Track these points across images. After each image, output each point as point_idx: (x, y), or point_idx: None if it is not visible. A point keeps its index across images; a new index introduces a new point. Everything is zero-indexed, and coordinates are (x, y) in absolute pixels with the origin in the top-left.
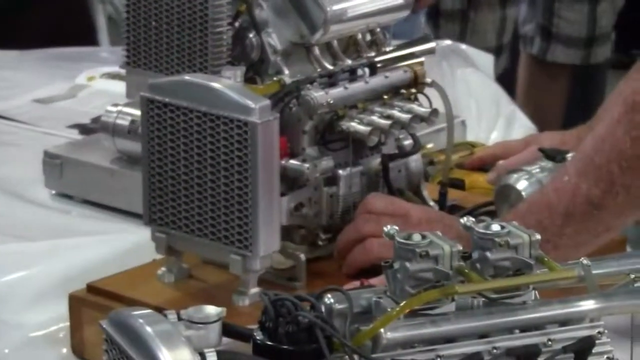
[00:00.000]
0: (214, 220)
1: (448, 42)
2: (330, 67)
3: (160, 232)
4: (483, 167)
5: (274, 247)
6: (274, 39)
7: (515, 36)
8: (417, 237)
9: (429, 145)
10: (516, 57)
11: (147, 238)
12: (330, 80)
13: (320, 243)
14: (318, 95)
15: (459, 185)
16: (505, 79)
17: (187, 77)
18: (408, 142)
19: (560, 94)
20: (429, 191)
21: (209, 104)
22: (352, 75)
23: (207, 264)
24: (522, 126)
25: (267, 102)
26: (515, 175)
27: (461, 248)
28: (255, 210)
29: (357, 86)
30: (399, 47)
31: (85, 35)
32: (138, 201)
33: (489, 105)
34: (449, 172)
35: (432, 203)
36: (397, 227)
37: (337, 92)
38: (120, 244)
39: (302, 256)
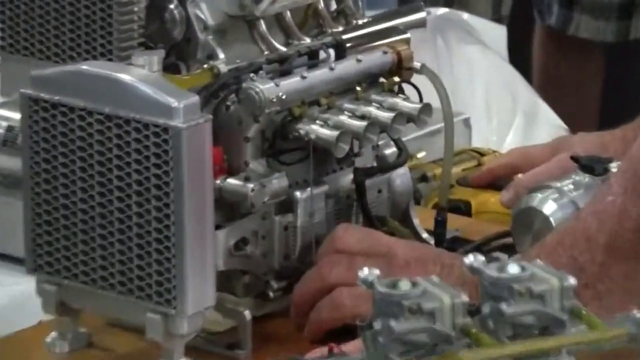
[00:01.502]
0: (123, 266)
1: (443, 9)
2: (282, 48)
3: (49, 283)
4: (495, 183)
5: (208, 302)
6: (203, 11)
7: (522, 2)
8: (404, 284)
9: (420, 155)
10: (525, 31)
11: (31, 291)
12: (282, 67)
13: (271, 295)
14: (265, 87)
15: (463, 209)
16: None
17: (83, 67)
18: (390, 150)
19: (594, 81)
20: (422, 219)
21: (114, 103)
22: (312, 59)
23: (113, 326)
24: (547, 125)
25: (195, 98)
26: (540, 195)
27: (467, 299)
28: (181, 250)
29: (320, 74)
30: (376, 20)
31: None
32: (19, 240)
33: (502, 97)
34: (449, 192)
35: (425, 235)
36: (377, 271)
37: (291, 83)
38: None
39: (247, 314)
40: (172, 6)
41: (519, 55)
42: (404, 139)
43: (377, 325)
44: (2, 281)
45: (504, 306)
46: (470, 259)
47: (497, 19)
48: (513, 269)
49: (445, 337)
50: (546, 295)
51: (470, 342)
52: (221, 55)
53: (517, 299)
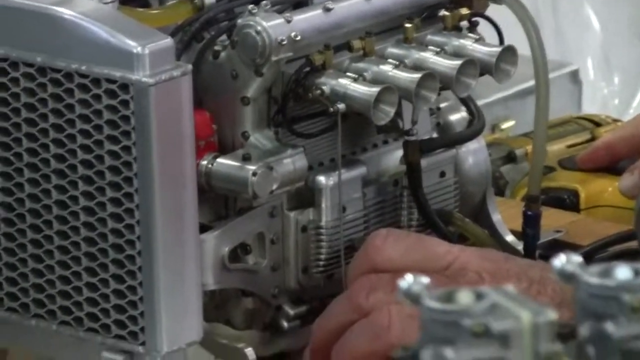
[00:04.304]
0: (66, 285)
1: None
2: None
3: None
4: (615, 164)
5: (191, 336)
6: None
7: None
8: (465, 297)
9: (507, 125)
10: None
11: None
12: None
13: (285, 325)
14: (271, 25)
15: (568, 201)
16: None
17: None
18: (458, 116)
19: None
20: (507, 215)
21: (49, 51)
22: None
23: None
24: None
25: (168, 41)
26: None
27: (555, 316)
28: (150, 261)
29: (351, 5)
30: None
31: None
32: None
33: (627, 42)
34: (546, 176)
35: (510, 238)
36: (425, 279)
37: (309, 17)
38: None
39: (250, 352)
40: None
41: None
42: (483, 102)
43: (427, 356)
44: None
45: (610, 326)
46: (561, 259)
47: None
48: (623, 273)
49: None
50: None
51: None
52: None
53: (630, 316)
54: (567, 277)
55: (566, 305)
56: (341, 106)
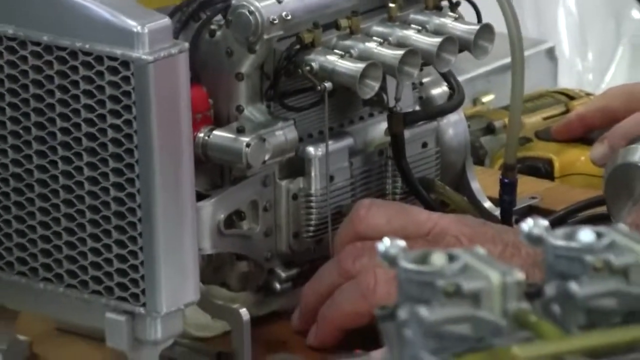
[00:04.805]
0: (72, 250)
1: None
2: None
3: None
4: (587, 135)
5: (188, 297)
6: None
7: None
8: (438, 258)
9: (487, 98)
10: None
11: None
12: None
13: (277, 287)
14: (263, 5)
15: (543, 169)
16: None
17: None
18: (439, 90)
19: None
20: (486, 183)
21: (54, 30)
22: None
23: (62, 332)
24: None
25: (166, 21)
26: None
27: (523, 277)
28: (150, 227)
29: None
30: None
31: None
32: None
33: (601, 20)
34: (523, 146)
35: (488, 204)
36: (401, 242)
37: None
38: None
39: (245, 313)
40: None
41: None
42: (463, 77)
43: (403, 314)
44: None
45: (574, 285)
46: (528, 224)
47: None
48: (586, 236)
49: (493, 327)
50: (630, 270)
51: (529, 335)
52: None
53: (592, 276)
54: (534, 240)
55: (538, 267)
56: (328, 84)
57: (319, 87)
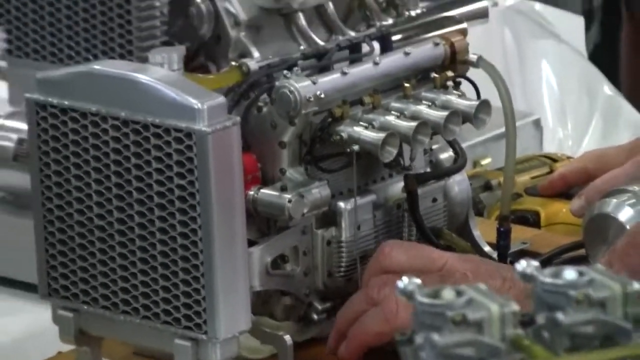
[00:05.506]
0: (146, 288)
1: (513, 0)
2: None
3: (66, 309)
4: (568, 191)
5: (242, 326)
6: (234, 4)
7: None
8: (448, 293)
9: (485, 161)
10: (614, 27)
11: (47, 321)
12: (320, 62)
13: (315, 317)
14: (301, 86)
15: (531, 219)
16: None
17: (95, 67)
18: (446, 155)
19: None
20: (485, 232)
21: (130, 107)
22: (354, 53)
23: (139, 356)
24: (631, 128)
25: (222, 99)
26: (614, 201)
27: (518, 308)
28: (210, 269)
29: (363, 70)
30: (430, 11)
31: None
32: (31, 264)
33: (578, 96)
34: (514, 201)
35: (487, 248)
36: (417, 280)
37: (330, 80)
38: (6, 334)
39: (288, 338)
40: (198, 0)
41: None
42: (466, 144)
43: (419, 339)
44: (17, 309)
45: (560, 315)
46: (522, 264)
47: (588, 9)
48: (570, 274)
49: (494, 350)
50: (607, 302)
51: (523, 356)
52: (256, 54)
53: (575, 307)
54: (526, 277)
55: (530, 299)
56: (355, 147)
57: (348, 150)
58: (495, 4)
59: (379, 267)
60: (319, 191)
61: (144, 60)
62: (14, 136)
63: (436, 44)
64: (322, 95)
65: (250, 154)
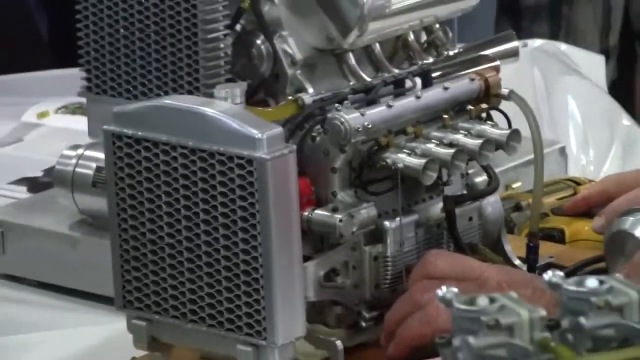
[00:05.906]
0: (212, 299)
1: (540, 41)
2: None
3: (139, 319)
4: (590, 211)
5: (298, 333)
6: (291, 45)
7: (628, 35)
8: (483, 301)
9: (516, 185)
10: (630, 64)
11: (122, 329)
12: (367, 96)
13: (363, 325)
14: (351, 117)
15: (557, 236)
16: (616, 94)
17: (165, 101)
18: (481, 178)
19: None
20: (515, 247)
21: (197, 137)
22: (398, 88)
23: None
24: None
25: (279, 130)
26: (631, 218)
27: (545, 313)
28: (269, 282)
29: (406, 103)
30: (466, 50)
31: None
32: (108, 279)
33: (599, 126)
34: (541, 219)
35: (518, 262)
36: (455, 289)
37: (377, 112)
38: (86, 341)
39: (339, 344)
40: (259, 41)
41: (627, 86)
42: (499, 169)
43: (456, 341)
44: (94, 321)
45: (582, 320)
46: (548, 274)
47: (604, 49)
48: (591, 283)
49: (523, 351)
50: (625, 308)
51: (550, 356)
52: (310, 90)
53: (596, 312)
54: (553, 286)
55: (557, 306)
56: (400, 165)
57: (394, 167)
58: (525, 45)
59: (423, 272)
60: (367, 212)
61: (210, 95)
62: (93, 165)
63: (472, 80)
64: (370, 126)
65: (305, 179)
